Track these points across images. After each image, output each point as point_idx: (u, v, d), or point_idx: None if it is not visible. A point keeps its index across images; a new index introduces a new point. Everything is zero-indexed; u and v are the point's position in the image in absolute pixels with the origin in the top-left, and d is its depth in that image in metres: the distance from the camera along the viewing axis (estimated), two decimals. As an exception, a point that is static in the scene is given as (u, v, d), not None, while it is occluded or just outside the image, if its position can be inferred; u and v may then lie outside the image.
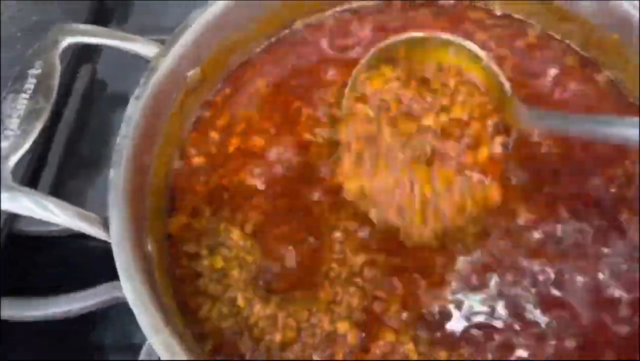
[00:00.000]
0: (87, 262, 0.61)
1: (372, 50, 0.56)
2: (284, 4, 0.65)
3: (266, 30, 0.66)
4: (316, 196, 0.56)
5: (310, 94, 0.62)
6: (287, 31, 0.67)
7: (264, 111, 0.62)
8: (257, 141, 0.60)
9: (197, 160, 0.60)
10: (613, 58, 0.61)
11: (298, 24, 0.67)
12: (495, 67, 0.54)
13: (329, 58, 0.65)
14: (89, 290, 0.57)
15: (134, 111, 0.55)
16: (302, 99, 0.62)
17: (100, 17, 0.80)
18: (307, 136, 0.60)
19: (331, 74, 0.63)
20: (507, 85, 0.53)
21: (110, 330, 0.68)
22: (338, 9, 0.67)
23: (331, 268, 0.52)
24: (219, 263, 0.54)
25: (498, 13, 0.66)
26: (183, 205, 0.58)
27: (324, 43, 0.66)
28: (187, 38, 0.59)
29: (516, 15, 0.66)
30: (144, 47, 0.58)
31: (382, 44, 0.56)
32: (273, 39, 0.67)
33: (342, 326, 0.50)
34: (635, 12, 0.57)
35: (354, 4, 0.67)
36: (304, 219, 0.55)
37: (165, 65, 0.57)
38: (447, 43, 0.55)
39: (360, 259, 0.52)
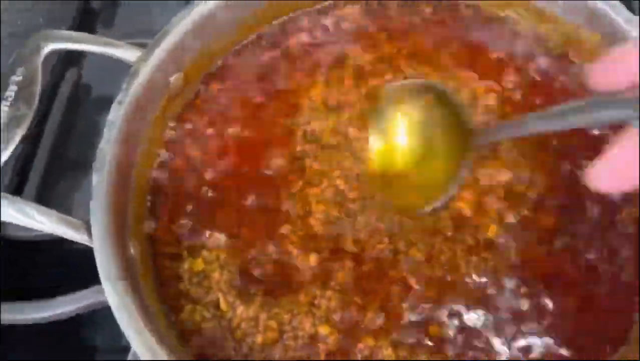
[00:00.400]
0: (74, 265, 0.62)
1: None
2: (269, 4, 0.66)
3: (250, 32, 0.66)
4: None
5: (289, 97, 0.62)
6: (266, 30, 0.67)
7: (246, 115, 0.62)
8: (240, 144, 0.61)
9: (179, 162, 0.60)
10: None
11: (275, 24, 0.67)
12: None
13: (310, 58, 0.65)
14: (75, 294, 0.58)
15: (116, 115, 0.56)
16: (280, 100, 0.62)
17: (86, 21, 0.81)
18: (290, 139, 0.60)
19: (311, 74, 0.64)
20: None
21: (100, 332, 0.68)
22: (318, 6, 0.68)
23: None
24: (200, 265, 0.54)
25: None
26: (164, 208, 0.58)
27: (303, 41, 0.66)
28: (168, 42, 0.59)
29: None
30: (126, 52, 0.59)
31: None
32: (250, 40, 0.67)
33: (323, 330, 0.50)
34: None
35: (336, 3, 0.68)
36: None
37: (146, 70, 0.58)
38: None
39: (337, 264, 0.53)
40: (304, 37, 0.66)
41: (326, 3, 0.68)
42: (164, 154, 0.61)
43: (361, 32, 0.66)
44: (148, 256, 0.55)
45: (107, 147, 0.54)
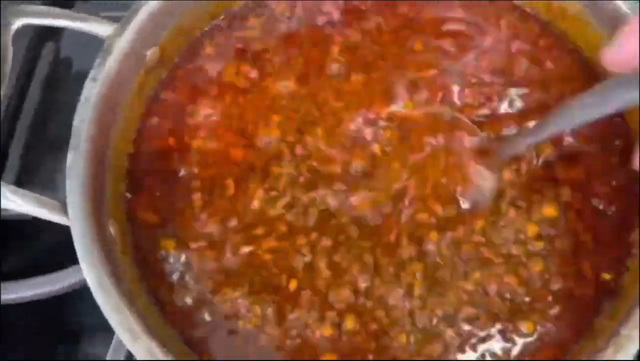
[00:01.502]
0: (58, 244, 0.61)
1: None
2: None
3: (216, 11, 0.64)
4: None
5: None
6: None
7: (225, 92, 0.61)
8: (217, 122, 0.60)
9: (158, 141, 0.59)
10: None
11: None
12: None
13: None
14: (56, 273, 0.58)
15: (90, 93, 0.54)
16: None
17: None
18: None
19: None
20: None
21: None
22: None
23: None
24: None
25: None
26: (142, 186, 0.57)
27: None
28: (142, 16, 0.57)
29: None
30: (99, 27, 0.57)
31: None
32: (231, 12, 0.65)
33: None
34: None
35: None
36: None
37: (121, 45, 0.56)
38: None
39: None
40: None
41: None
42: (141, 130, 0.60)
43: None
44: (127, 235, 0.55)
45: (82, 126, 0.53)
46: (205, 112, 0.60)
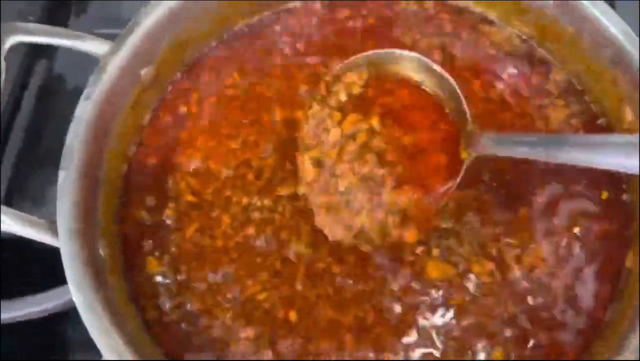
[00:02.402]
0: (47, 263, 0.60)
1: (337, 67, 0.55)
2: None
3: (223, 24, 0.64)
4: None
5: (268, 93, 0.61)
6: (243, 26, 0.65)
7: (222, 110, 0.61)
8: (215, 142, 0.59)
9: (151, 160, 0.59)
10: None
11: (255, 20, 0.65)
12: (458, 91, 0.52)
13: (288, 57, 0.63)
14: (46, 293, 0.57)
15: (83, 111, 0.54)
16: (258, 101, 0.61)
17: (58, 10, 0.78)
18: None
19: (291, 72, 0.62)
20: (467, 112, 0.51)
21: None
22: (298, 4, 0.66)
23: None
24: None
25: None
26: (136, 206, 0.57)
27: (281, 39, 0.64)
28: (138, 35, 0.57)
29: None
30: (93, 45, 0.57)
31: (346, 61, 0.55)
32: (229, 34, 0.65)
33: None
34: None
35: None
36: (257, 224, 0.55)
37: (115, 63, 0.56)
38: (413, 60, 0.54)
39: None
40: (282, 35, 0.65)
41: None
42: (135, 149, 0.59)
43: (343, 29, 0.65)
44: (118, 255, 0.54)
45: (75, 145, 0.53)
46: (199, 132, 0.60)
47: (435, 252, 0.53)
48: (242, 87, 0.62)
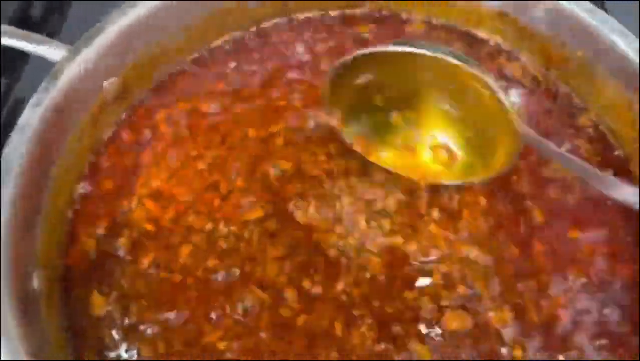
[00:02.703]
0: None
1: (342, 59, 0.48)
2: (219, 11, 0.58)
3: (199, 40, 0.59)
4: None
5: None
6: (222, 42, 0.60)
7: (191, 130, 0.54)
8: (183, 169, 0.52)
9: (107, 183, 0.51)
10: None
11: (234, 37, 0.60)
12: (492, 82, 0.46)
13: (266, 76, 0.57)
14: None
15: (30, 119, 0.47)
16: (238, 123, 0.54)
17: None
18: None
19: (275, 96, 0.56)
20: (507, 103, 0.46)
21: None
22: (278, 20, 0.60)
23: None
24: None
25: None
26: (85, 234, 0.49)
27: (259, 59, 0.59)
28: (101, 42, 0.51)
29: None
30: (50, 50, 0.50)
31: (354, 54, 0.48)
32: (206, 50, 0.59)
33: None
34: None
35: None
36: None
37: (73, 70, 0.49)
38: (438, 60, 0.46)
39: None
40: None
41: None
42: (91, 170, 0.52)
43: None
44: (58, 289, 0.46)
45: (14, 157, 0.45)
46: (163, 153, 0.53)
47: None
48: (214, 107, 0.55)
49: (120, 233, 0.49)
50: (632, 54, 0.50)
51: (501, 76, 0.57)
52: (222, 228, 0.48)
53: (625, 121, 0.52)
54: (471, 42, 0.59)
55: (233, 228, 0.48)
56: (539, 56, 0.57)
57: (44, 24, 0.72)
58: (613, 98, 0.52)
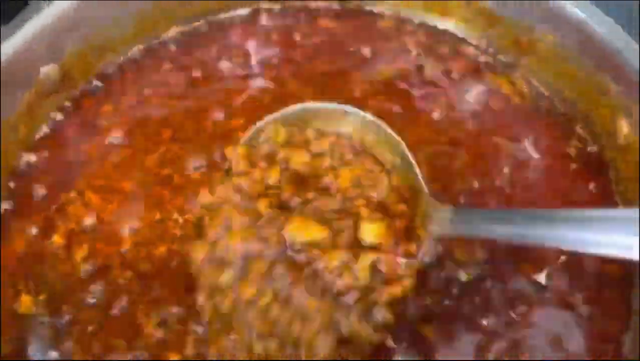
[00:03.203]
0: None
1: (256, 125, 0.42)
2: (155, 4, 0.54)
3: (143, 33, 0.55)
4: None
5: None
6: (175, 33, 0.56)
7: (139, 123, 0.50)
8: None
9: (44, 177, 0.47)
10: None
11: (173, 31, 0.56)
12: (407, 153, 0.40)
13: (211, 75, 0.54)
14: None
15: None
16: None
17: None
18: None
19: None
20: (420, 180, 0.39)
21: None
22: (222, 15, 0.57)
23: None
24: None
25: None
26: (17, 233, 0.44)
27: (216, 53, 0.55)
28: (37, 24, 0.47)
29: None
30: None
31: (274, 115, 0.42)
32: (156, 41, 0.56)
33: None
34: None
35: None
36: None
37: (5, 52, 0.45)
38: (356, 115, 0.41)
39: None
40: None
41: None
42: (23, 165, 0.47)
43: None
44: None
45: None
46: (109, 145, 0.49)
47: None
48: (165, 101, 0.51)
49: (55, 230, 0.44)
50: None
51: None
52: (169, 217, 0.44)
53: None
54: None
55: (178, 218, 0.44)
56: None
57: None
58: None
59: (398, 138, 0.40)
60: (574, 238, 0.33)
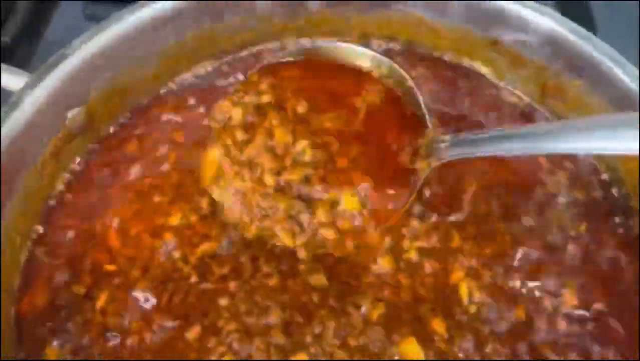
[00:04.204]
0: None
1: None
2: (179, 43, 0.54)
3: (172, 70, 0.55)
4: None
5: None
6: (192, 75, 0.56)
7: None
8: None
9: (70, 233, 0.47)
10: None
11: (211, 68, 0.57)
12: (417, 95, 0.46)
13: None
14: None
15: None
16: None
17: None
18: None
19: None
20: (426, 116, 0.45)
21: None
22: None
23: None
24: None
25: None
26: (44, 284, 0.44)
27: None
28: (64, 70, 0.47)
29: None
30: (9, 78, 0.47)
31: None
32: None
33: None
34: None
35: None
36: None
37: (33, 100, 0.46)
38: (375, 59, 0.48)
39: None
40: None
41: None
42: (50, 210, 0.48)
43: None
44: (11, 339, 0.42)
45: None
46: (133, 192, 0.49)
47: None
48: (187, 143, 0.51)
49: (80, 279, 0.44)
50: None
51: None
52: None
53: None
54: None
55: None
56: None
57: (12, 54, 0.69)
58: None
59: (405, 75, 0.46)
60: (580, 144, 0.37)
